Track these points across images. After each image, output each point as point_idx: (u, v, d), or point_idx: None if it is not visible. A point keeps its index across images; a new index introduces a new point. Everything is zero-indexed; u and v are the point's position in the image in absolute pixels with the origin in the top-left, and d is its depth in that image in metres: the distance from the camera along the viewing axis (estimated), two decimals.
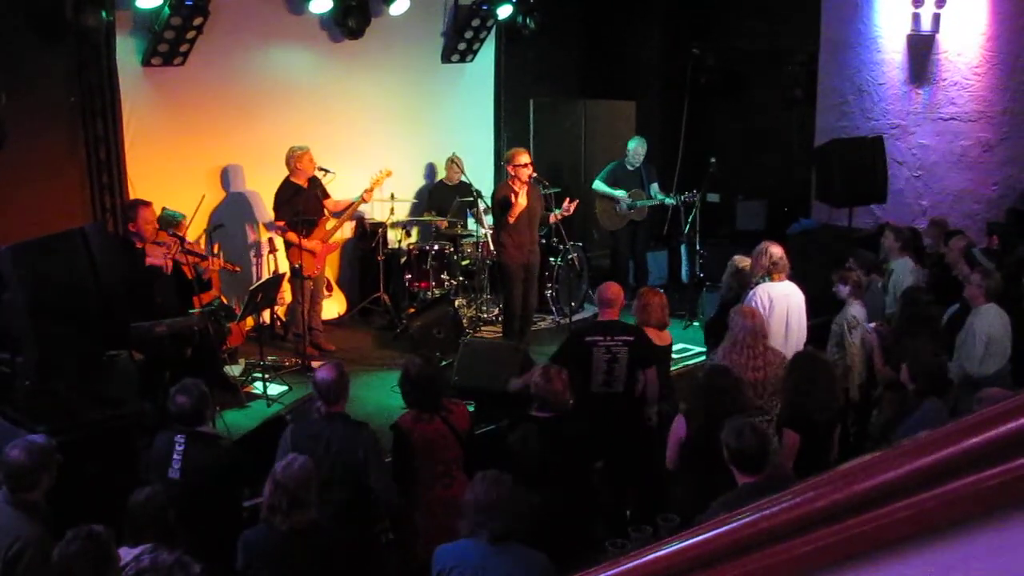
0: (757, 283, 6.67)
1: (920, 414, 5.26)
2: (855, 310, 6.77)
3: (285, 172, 8.72)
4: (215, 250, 8.65)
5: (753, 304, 6.44)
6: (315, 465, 4.27)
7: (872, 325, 6.83)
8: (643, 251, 10.89)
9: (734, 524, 1.66)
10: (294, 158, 8.59)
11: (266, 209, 9.17)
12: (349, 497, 4.84)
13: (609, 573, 2.00)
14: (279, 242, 9.09)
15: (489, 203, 9.22)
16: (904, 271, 7.66)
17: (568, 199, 8.96)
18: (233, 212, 9.41)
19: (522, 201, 8.27)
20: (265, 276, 9.22)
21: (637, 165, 10.42)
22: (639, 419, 6.18)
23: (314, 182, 8.79)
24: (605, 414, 5.85)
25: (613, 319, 6.31)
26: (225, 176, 9.46)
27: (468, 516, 3.92)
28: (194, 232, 8.43)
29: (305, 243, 8.58)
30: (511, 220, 8.30)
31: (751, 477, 4.24)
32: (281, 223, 8.62)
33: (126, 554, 3.90)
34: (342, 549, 4.31)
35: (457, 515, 4.11)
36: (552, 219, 9.01)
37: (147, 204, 7.39)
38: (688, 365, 8.28)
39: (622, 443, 5.94)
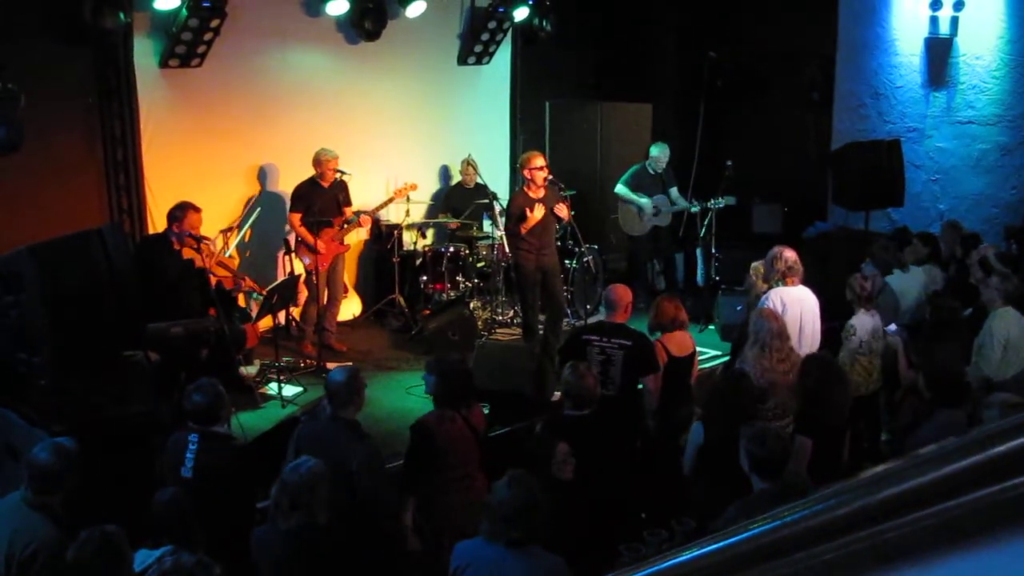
0: (771, 287, 6.62)
1: (933, 425, 5.21)
2: (856, 319, 6.58)
3: (302, 173, 8.81)
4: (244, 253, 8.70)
5: (767, 307, 6.41)
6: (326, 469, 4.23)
7: (894, 328, 6.76)
8: (669, 253, 10.84)
9: (756, 531, 1.65)
10: (317, 160, 8.67)
11: (283, 210, 9.19)
12: (344, 501, 4.78)
13: None
14: (293, 243, 9.09)
15: (505, 206, 9.15)
16: (908, 284, 7.54)
17: (565, 202, 8.70)
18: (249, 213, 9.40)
19: (537, 215, 8.08)
20: (281, 278, 9.23)
21: (660, 170, 10.38)
22: (631, 425, 6.10)
23: (338, 185, 8.82)
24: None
25: (617, 322, 6.28)
26: (241, 177, 9.48)
27: (488, 518, 3.83)
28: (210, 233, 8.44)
29: (309, 239, 8.64)
30: (523, 231, 8.17)
31: (768, 483, 4.22)
32: (295, 217, 8.70)
33: (147, 556, 3.90)
34: (344, 555, 4.24)
35: (478, 516, 4.02)
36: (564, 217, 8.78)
37: (197, 210, 7.49)
38: (704, 368, 8.24)
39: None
